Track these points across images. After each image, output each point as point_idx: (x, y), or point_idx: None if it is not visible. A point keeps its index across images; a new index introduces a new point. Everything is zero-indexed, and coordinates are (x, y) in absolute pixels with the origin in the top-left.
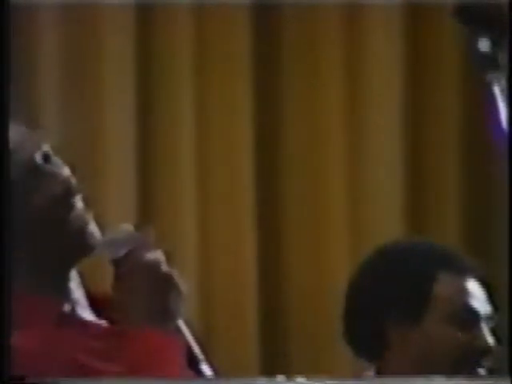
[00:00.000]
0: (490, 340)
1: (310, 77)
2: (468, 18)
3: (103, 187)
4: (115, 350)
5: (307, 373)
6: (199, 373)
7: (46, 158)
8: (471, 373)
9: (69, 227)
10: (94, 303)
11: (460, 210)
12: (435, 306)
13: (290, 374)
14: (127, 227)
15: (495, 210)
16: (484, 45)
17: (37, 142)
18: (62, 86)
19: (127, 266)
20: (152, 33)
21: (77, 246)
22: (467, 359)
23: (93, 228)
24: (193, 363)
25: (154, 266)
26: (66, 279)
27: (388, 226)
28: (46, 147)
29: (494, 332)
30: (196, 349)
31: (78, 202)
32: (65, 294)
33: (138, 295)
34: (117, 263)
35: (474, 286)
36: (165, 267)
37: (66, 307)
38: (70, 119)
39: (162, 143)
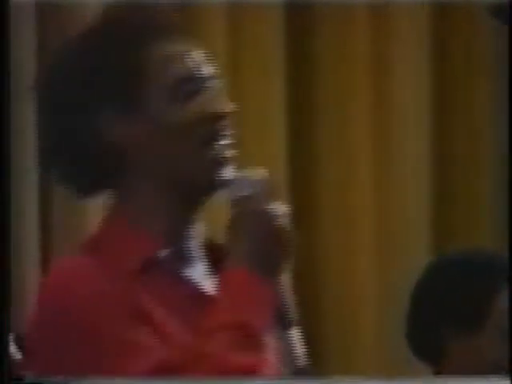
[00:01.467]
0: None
1: (341, 76)
2: (506, 16)
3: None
4: (190, 314)
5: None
6: (285, 336)
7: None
8: None
9: (205, 155)
10: (212, 253)
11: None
12: (494, 319)
13: None
14: (259, 172)
15: None
16: None
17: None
18: None
19: (246, 208)
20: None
21: (208, 179)
22: None
23: (228, 167)
24: (282, 323)
25: (271, 215)
26: (188, 219)
27: (416, 236)
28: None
29: None
30: (290, 310)
31: (227, 132)
32: (178, 236)
33: (247, 238)
34: (236, 203)
35: None
36: (280, 220)
37: (162, 253)
38: None
39: None
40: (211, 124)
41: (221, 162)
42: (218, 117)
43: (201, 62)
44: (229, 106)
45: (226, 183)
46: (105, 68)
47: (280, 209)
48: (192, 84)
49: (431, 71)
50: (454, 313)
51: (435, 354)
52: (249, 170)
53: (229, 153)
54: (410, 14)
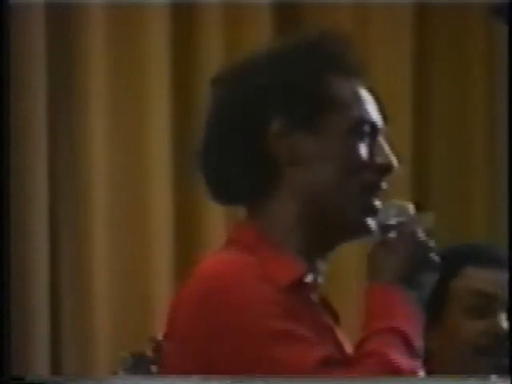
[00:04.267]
0: (507, 326)
1: None
2: (506, 16)
3: None
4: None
5: None
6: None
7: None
8: (493, 360)
9: (362, 200)
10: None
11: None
12: (454, 300)
13: None
14: (406, 203)
15: None
16: None
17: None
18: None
19: (398, 233)
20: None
21: (356, 223)
22: (485, 346)
23: (375, 218)
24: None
25: (424, 245)
26: (323, 255)
27: None
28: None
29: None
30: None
31: (384, 186)
32: (313, 268)
33: (400, 259)
34: (386, 228)
35: (494, 274)
36: (432, 253)
37: (308, 278)
38: None
39: None
40: (378, 174)
41: (372, 211)
42: (386, 170)
43: (373, 107)
44: (395, 161)
45: (370, 232)
46: (289, 83)
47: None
48: (368, 127)
49: (412, 72)
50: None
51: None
52: (399, 201)
53: (380, 204)
54: (391, 15)
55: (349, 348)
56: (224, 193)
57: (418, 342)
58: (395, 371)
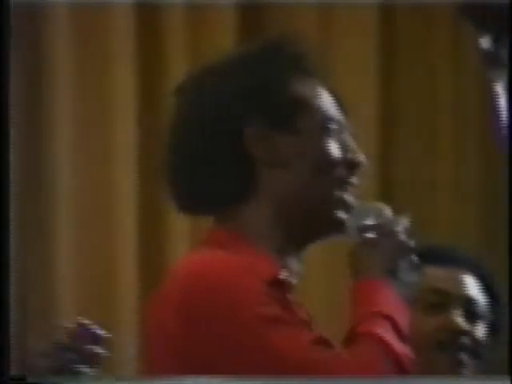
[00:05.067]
0: (462, 323)
1: None
2: (473, 15)
3: None
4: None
5: None
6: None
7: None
8: (450, 355)
9: (335, 196)
10: None
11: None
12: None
13: None
14: (382, 205)
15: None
16: (487, 42)
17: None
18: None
19: (378, 232)
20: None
21: (330, 219)
22: (442, 341)
23: (348, 212)
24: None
25: (404, 244)
26: (301, 249)
27: None
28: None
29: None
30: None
31: (355, 182)
32: (287, 268)
33: (382, 256)
34: (364, 229)
35: (451, 273)
36: (412, 253)
37: (282, 275)
38: None
39: None
40: (348, 170)
41: (345, 207)
42: (355, 165)
43: (337, 105)
44: (363, 157)
45: (343, 227)
46: (257, 88)
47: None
48: (334, 125)
49: (377, 73)
50: None
51: None
52: (375, 202)
53: (352, 200)
54: (357, 15)
55: None
56: (195, 203)
57: (407, 332)
58: (388, 351)
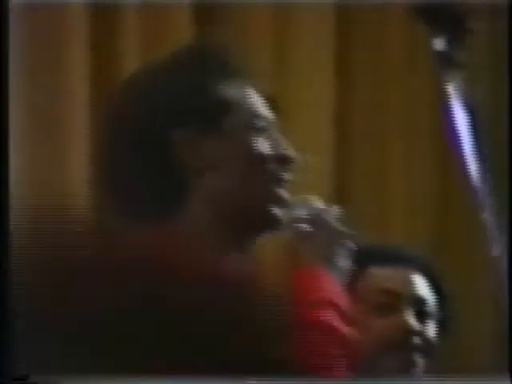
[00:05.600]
0: (414, 323)
1: None
2: (427, 16)
3: None
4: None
5: None
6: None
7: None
8: (402, 356)
9: (267, 197)
10: None
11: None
12: (363, 300)
13: None
14: (314, 197)
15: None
16: (441, 43)
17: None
18: None
19: (312, 224)
20: None
21: (267, 216)
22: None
23: (285, 208)
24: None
25: (338, 231)
26: (245, 248)
27: None
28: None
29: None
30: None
31: (289, 177)
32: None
33: (319, 246)
34: (298, 221)
35: (399, 273)
36: (348, 238)
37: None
38: None
39: None
40: (279, 166)
41: (280, 202)
42: (286, 160)
43: (261, 103)
44: (293, 152)
45: (280, 223)
46: (182, 94)
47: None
48: (262, 122)
49: (334, 72)
50: None
51: None
52: (306, 195)
53: (287, 195)
54: (313, 16)
55: None
56: (134, 209)
57: (347, 313)
58: (337, 336)
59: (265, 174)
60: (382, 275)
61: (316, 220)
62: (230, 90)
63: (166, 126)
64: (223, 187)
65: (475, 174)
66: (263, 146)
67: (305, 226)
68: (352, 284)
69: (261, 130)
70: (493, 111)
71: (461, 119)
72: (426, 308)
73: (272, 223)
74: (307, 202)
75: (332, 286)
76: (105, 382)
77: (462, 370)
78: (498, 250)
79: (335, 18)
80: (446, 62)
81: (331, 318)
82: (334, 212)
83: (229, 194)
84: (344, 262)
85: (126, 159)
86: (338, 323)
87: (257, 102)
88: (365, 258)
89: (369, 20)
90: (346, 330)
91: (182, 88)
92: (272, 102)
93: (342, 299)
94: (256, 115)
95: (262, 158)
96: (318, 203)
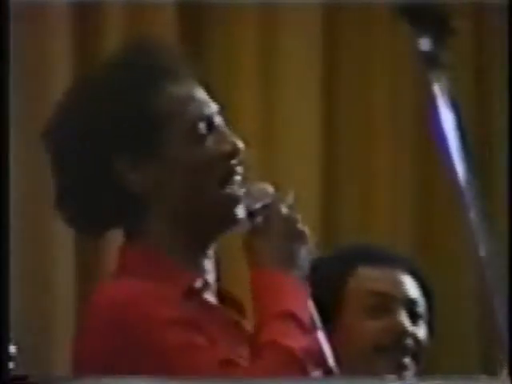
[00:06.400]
0: (408, 324)
1: (226, 82)
2: (412, 16)
3: None
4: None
5: None
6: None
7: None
8: (392, 359)
9: (222, 193)
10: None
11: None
12: (351, 301)
13: None
14: (265, 185)
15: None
16: (426, 43)
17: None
18: None
19: (265, 216)
20: None
21: (225, 216)
22: (386, 345)
23: (242, 204)
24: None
25: (290, 219)
26: (204, 254)
27: None
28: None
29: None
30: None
31: (240, 170)
32: (200, 269)
33: (273, 241)
34: (253, 214)
35: (388, 273)
36: (299, 224)
37: (198, 283)
38: None
39: None
40: (228, 161)
41: (235, 200)
42: (234, 154)
43: (206, 100)
44: (240, 143)
45: (239, 221)
46: (117, 115)
47: (295, 214)
48: (205, 123)
49: (321, 78)
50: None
51: None
52: (257, 183)
53: (242, 190)
54: (300, 14)
55: None
56: (91, 226)
57: (308, 317)
58: (292, 358)
59: (213, 177)
60: (370, 276)
61: (272, 212)
62: (167, 99)
63: (104, 151)
64: (174, 199)
65: (461, 174)
66: (208, 148)
67: (261, 220)
68: (339, 284)
69: (204, 131)
70: (478, 111)
71: (446, 119)
72: (417, 309)
73: (232, 223)
74: (260, 190)
75: (292, 291)
76: (105, 382)
77: (447, 371)
78: (483, 250)
79: (321, 18)
80: (431, 62)
81: (287, 335)
82: (288, 200)
83: (185, 203)
84: (300, 252)
85: (78, 176)
86: (290, 341)
87: (199, 102)
88: (351, 258)
89: (354, 20)
90: (299, 345)
91: (115, 108)
92: (218, 98)
93: (301, 307)
94: (198, 117)
95: (207, 162)
96: (271, 191)
